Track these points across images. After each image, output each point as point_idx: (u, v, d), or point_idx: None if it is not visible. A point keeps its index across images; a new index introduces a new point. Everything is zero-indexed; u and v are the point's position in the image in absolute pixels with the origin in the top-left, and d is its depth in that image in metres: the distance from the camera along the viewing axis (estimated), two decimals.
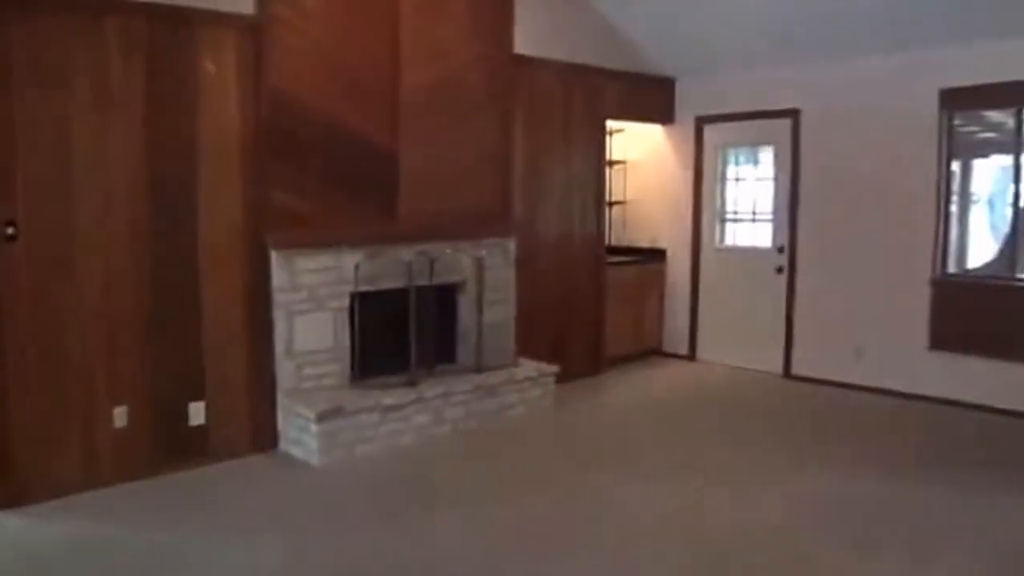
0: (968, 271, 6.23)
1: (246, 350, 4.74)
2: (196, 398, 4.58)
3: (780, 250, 6.85)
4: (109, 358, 4.24)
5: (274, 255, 4.75)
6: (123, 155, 4.22)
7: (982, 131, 6.19)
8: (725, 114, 7.08)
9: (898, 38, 5.84)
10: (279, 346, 4.80)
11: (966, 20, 5.41)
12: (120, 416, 4.29)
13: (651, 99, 7.24)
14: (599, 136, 6.81)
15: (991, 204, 6.54)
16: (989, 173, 6.41)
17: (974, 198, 6.36)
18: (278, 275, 4.77)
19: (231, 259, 4.65)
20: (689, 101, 7.31)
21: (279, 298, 4.78)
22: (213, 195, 4.55)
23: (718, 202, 7.33)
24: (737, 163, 7.33)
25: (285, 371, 4.82)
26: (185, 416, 4.55)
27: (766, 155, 7.06)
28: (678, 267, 7.51)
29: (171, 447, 4.50)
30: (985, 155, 6.37)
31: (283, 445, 4.85)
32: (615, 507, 4.13)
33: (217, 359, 4.64)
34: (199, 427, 4.60)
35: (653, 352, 7.57)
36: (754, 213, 7.17)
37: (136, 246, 4.29)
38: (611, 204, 7.39)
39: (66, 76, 4.01)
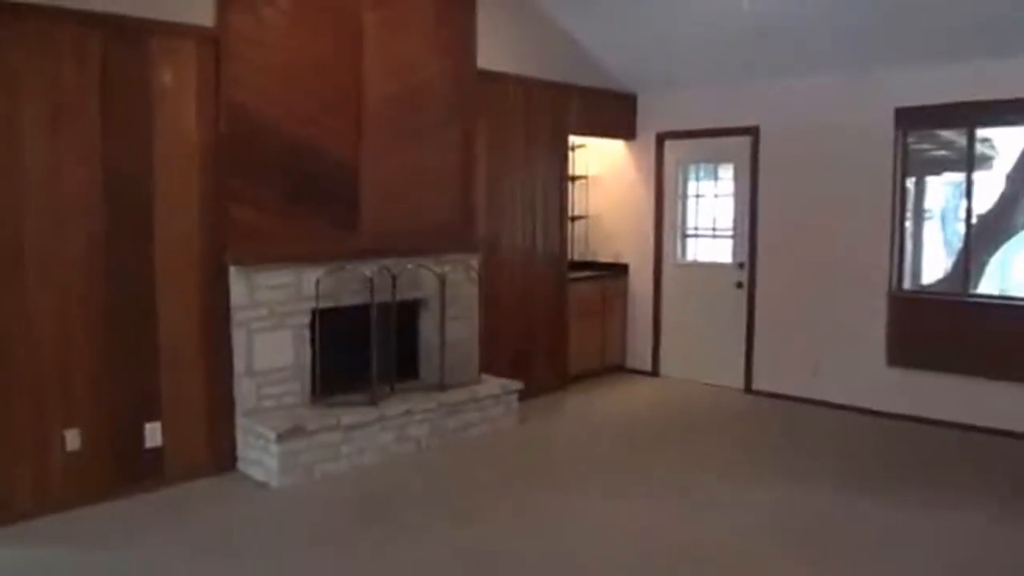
0: (923, 287, 6.35)
1: (204, 369, 4.63)
2: (152, 419, 4.46)
3: (740, 266, 6.92)
4: (60, 378, 4.11)
5: (233, 271, 4.66)
6: (76, 169, 4.10)
7: (935, 149, 6.34)
8: (686, 131, 7.14)
9: (855, 58, 5.96)
10: (238, 364, 4.71)
11: (921, 42, 5.55)
12: (72, 439, 4.16)
13: (613, 115, 7.29)
14: (562, 151, 6.83)
15: (944, 220, 6.69)
16: (942, 190, 6.56)
17: (928, 215, 6.50)
18: (237, 292, 4.68)
19: (188, 275, 4.55)
20: (650, 117, 7.37)
21: (238, 315, 4.69)
22: (170, 209, 4.45)
23: (679, 218, 7.39)
24: (698, 179, 7.40)
25: (244, 390, 4.73)
26: (140, 438, 4.42)
27: (726, 171, 7.13)
28: (640, 282, 7.54)
29: (126, 470, 4.37)
30: (938, 172, 6.52)
31: (242, 466, 4.75)
32: (577, 525, 4.12)
33: (174, 378, 4.52)
34: (155, 449, 4.47)
35: (616, 368, 7.58)
36: (715, 229, 7.24)
37: (89, 262, 4.18)
38: (574, 219, 7.41)
39: (17, 87, 3.89)
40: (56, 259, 4.06)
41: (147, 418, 4.44)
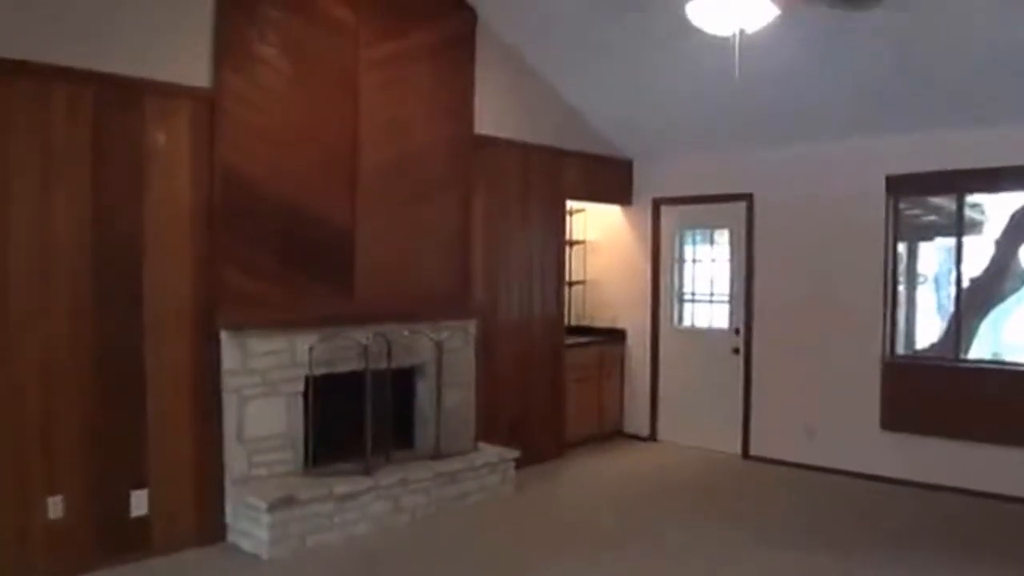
0: (917, 352, 6.34)
1: (193, 436, 4.54)
2: (138, 486, 4.35)
3: (736, 331, 6.90)
4: (43, 443, 4.00)
5: (225, 336, 4.61)
6: (66, 229, 4.05)
7: (926, 214, 6.40)
8: (681, 196, 7.20)
9: (846, 127, 6.04)
10: (228, 432, 4.62)
11: (910, 112, 5.64)
12: (55, 506, 4.04)
13: (610, 180, 7.35)
14: (559, 216, 6.86)
15: (937, 284, 6.72)
16: (934, 254, 6.61)
17: (921, 279, 6.53)
18: (229, 357, 4.61)
19: (179, 341, 4.49)
20: (647, 183, 7.43)
21: (229, 381, 4.62)
22: (161, 272, 4.41)
23: (676, 283, 7.40)
24: (694, 244, 7.43)
25: (234, 458, 4.62)
26: (126, 505, 4.30)
27: (722, 236, 7.17)
28: (638, 347, 7.50)
29: (111, 539, 4.24)
30: (930, 238, 6.57)
31: (232, 537, 4.62)
32: None
33: (162, 445, 4.42)
34: (141, 518, 4.35)
35: (614, 434, 7.49)
36: (711, 294, 7.24)
37: (77, 325, 4.11)
38: (571, 284, 7.41)
39: (6, 144, 3.86)
40: (42, 321, 3.99)
41: (133, 485, 4.33)
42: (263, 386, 4.72)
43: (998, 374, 5.73)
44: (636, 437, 7.47)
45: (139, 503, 4.35)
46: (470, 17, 5.89)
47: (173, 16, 4.43)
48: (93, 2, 4.14)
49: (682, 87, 6.04)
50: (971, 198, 5.98)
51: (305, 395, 4.87)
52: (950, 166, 5.74)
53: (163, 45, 4.40)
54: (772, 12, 3.46)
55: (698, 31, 3.63)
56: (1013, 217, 6.37)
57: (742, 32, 3.58)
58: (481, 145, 6.05)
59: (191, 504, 4.55)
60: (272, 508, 4.39)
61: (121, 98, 4.24)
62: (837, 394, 6.28)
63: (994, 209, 6.31)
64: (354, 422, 5.05)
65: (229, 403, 4.61)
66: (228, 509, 4.64)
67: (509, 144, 6.31)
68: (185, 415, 4.53)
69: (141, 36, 4.31)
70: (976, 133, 5.57)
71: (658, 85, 6.14)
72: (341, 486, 4.72)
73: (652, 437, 7.40)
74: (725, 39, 3.72)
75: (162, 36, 4.40)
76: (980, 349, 6.19)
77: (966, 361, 5.93)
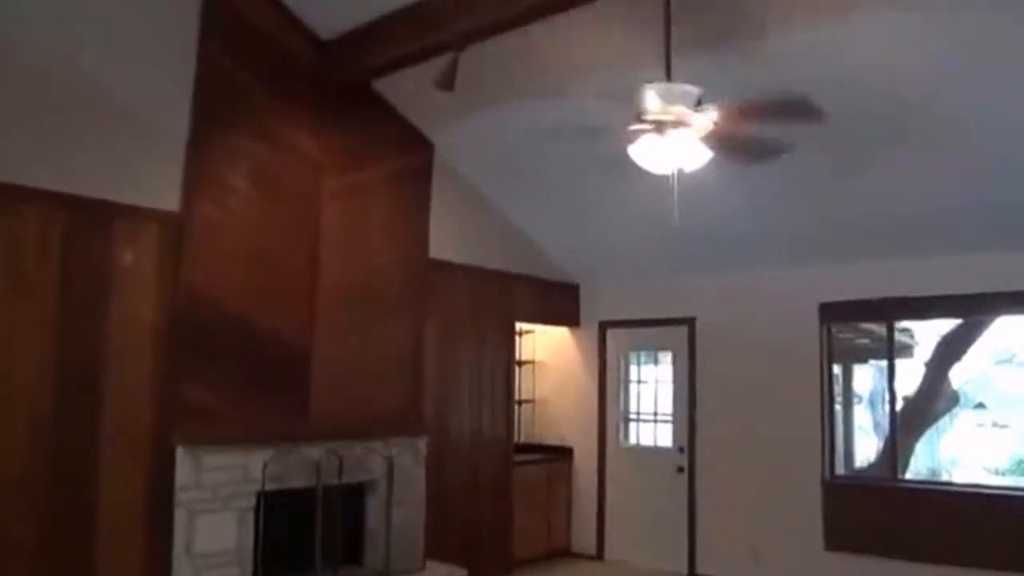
0: (856, 471, 6.55)
1: (143, 550, 4.48)
2: None
3: (681, 450, 7.07)
4: None
5: (180, 452, 4.62)
6: (29, 340, 4.11)
7: (859, 338, 6.76)
8: (626, 320, 7.50)
9: (779, 258, 6.45)
10: (178, 547, 4.56)
11: (841, 243, 6.03)
12: None
13: (558, 303, 7.64)
14: (509, 337, 7.09)
15: (872, 404, 7.03)
16: (869, 375, 6.95)
17: (857, 399, 6.83)
18: (182, 473, 4.61)
19: (134, 455, 4.49)
20: (593, 306, 7.74)
21: (181, 496, 4.59)
22: (120, 387, 4.46)
23: (622, 402, 7.59)
24: (639, 365, 7.68)
25: (182, 573, 4.55)
26: None
27: (666, 358, 7.44)
28: (585, 465, 7.61)
29: None
30: (864, 360, 6.92)
31: None
32: None
33: (111, 559, 4.35)
34: None
35: (562, 552, 7.48)
36: (655, 413, 7.44)
37: (34, 441, 4.11)
38: (520, 403, 7.56)
39: None
40: None
41: None
42: (214, 501, 4.71)
43: (936, 494, 5.93)
44: (583, 556, 7.47)
45: None
46: (428, 151, 6.27)
47: (148, 143, 4.65)
48: (71, 127, 4.33)
49: (625, 218, 6.42)
50: (901, 324, 6.32)
51: (256, 511, 4.86)
52: (879, 294, 6.08)
53: (137, 170, 4.60)
54: (707, 154, 3.83)
55: (640, 168, 3.97)
56: (940, 342, 6.79)
57: (680, 171, 3.93)
58: (435, 268, 6.30)
59: None
60: None
61: (92, 219, 4.39)
62: (781, 513, 6.39)
63: (923, 334, 6.71)
64: (304, 538, 5.04)
65: (180, 517, 4.58)
66: None
67: (462, 268, 6.59)
68: (137, 528, 4.48)
69: (116, 161, 4.51)
70: (902, 264, 5.93)
71: (603, 215, 6.52)
72: None
73: (599, 556, 7.40)
74: (665, 176, 4.06)
75: (137, 162, 4.60)
76: (917, 467, 6.43)
77: (905, 481, 6.11)
